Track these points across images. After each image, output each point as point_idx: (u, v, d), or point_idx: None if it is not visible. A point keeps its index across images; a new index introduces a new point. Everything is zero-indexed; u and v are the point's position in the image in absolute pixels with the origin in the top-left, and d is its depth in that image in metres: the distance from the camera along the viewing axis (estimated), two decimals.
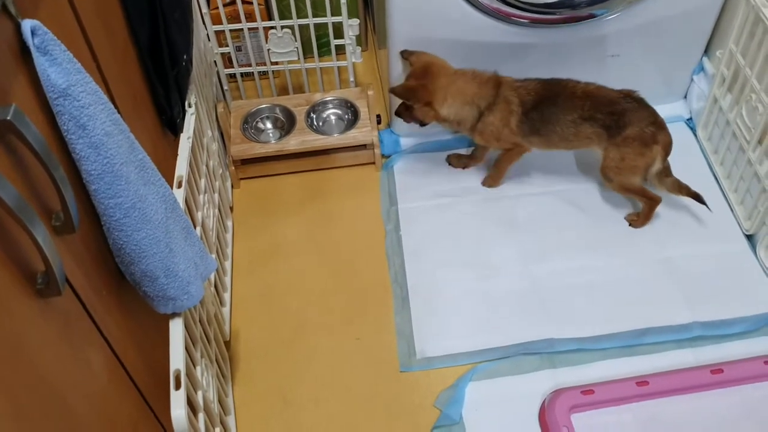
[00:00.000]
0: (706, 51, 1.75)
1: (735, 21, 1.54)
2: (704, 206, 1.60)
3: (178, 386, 0.95)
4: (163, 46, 1.23)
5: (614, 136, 1.51)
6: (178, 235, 1.01)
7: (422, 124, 1.61)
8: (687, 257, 1.57)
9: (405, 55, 1.61)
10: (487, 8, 1.54)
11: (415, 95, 1.55)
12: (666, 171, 1.56)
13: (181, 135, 1.30)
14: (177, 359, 0.97)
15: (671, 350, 1.43)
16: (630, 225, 1.63)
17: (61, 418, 0.75)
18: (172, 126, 1.29)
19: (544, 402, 1.35)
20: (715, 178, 1.71)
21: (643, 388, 1.34)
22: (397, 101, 1.64)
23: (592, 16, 1.59)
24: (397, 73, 1.69)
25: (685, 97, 1.85)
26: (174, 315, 1.02)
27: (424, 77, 1.55)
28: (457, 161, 1.77)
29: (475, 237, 1.64)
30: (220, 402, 1.27)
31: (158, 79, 1.24)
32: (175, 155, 1.28)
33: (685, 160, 1.74)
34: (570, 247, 1.60)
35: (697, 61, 1.76)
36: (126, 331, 0.96)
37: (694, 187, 1.60)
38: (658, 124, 1.51)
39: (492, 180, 1.72)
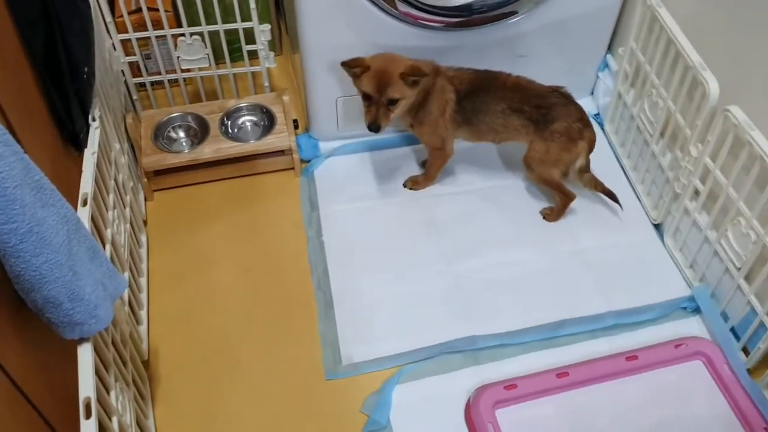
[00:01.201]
0: (610, 49, 1.82)
1: (634, 20, 1.60)
2: (617, 204, 1.67)
3: (88, 415, 0.91)
4: (61, 57, 1.18)
5: (542, 129, 1.54)
6: (83, 257, 0.97)
7: (378, 128, 1.50)
8: (599, 248, 1.62)
9: (352, 64, 1.48)
10: (396, 13, 1.55)
11: (420, 70, 1.47)
12: (585, 167, 1.61)
13: (86, 150, 1.25)
14: (86, 387, 0.93)
15: (587, 340, 1.47)
16: (544, 218, 1.67)
17: None
18: (75, 141, 1.24)
19: (469, 399, 1.37)
20: (623, 171, 1.77)
21: (563, 379, 1.37)
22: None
23: (498, 18, 1.61)
24: (313, 75, 1.68)
25: (592, 93, 1.91)
26: (82, 340, 0.98)
27: (399, 61, 1.48)
28: (415, 183, 1.76)
29: (397, 239, 1.65)
30: (140, 425, 1.23)
31: (57, 93, 1.19)
32: (80, 172, 1.23)
33: (595, 155, 1.79)
34: (489, 244, 1.63)
35: (601, 58, 1.83)
36: (28, 360, 0.91)
37: (604, 180, 1.66)
38: (584, 121, 1.56)
39: (416, 183, 1.73)
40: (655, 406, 1.37)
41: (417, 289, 1.55)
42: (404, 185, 1.74)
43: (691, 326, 1.49)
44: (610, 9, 1.70)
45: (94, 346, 1.00)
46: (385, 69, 1.47)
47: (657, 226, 1.65)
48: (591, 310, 1.50)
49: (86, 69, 1.27)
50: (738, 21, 1.34)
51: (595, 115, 1.90)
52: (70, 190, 1.13)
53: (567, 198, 1.64)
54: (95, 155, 1.24)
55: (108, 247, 1.25)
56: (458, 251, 1.62)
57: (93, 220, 1.16)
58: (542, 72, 1.77)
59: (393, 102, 1.49)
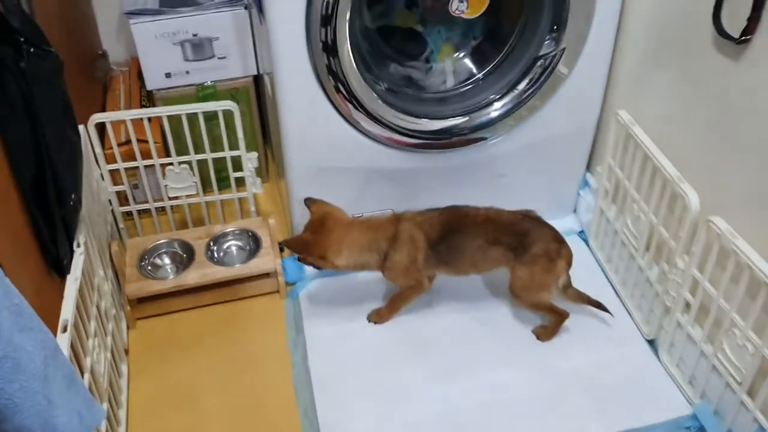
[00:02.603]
0: (588, 167, 1.87)
1: (609, 138, 1.66)
2: (607, 313, 1.65)
3: None
4: (49, 185, 1.19)
5: (521, 255, 1.54)
6: (59, 384, 0.93)
7: (319, 268, 1.60)
8: (594, 366, 1.58)
9: (307, 203, 1.60)
10: (377, 137, 1.60)
11: (309, 249, 1.56)
12: (568, 282, 1.61)
13: (68, 276, 1.23)
14: None
15: None
16: (537, 338, 1.64)
17: None
18: (59, 267, 1.23)
19: None
20: (612, 286, 1.77)
21: None
22: (301, 230, 1.64)
23: (476, 141, 1.67)
24: (299, 200, 1.70)
25: (575, 210, 1.94)
26: None
27: (320, 230, 1.55)
28: (378, 316, 1.72)
29: (385, 361, 1.60)
30: None
31: (43, 219, 1.19)
32: (62, 298, 1.20)
33: (583, 271, 1.79)
34: (480, 363, 1.59)
35: (581, 176, 1.87)
36: None
37: (594, 296, 1.66)
38: (559, 240, 1.57)
39: (380, 316, 1.69)
40: None
41: (408, 414, 1.49)
42: (368, 319, 1.70)
43: None
44: (586, 129, 1.76)
45: None
46: (309, 227, 1.57)
47: (651, 342, 1.63)
48: None
49: (73, 196, 1.28)
50: (711, 132, 1.39)
51: (580, 232, 1.92)
52: (50, 316, 1.10)
53: (560, 317, 1.62)
54: (78, 281, 1.22)
55: (87, 376, 1.20)
56: (448, 372, 1.57)
57: (72, 347, 1.13)
58: (523, 191, 1.82)
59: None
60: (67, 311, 1.15)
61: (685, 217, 1.40)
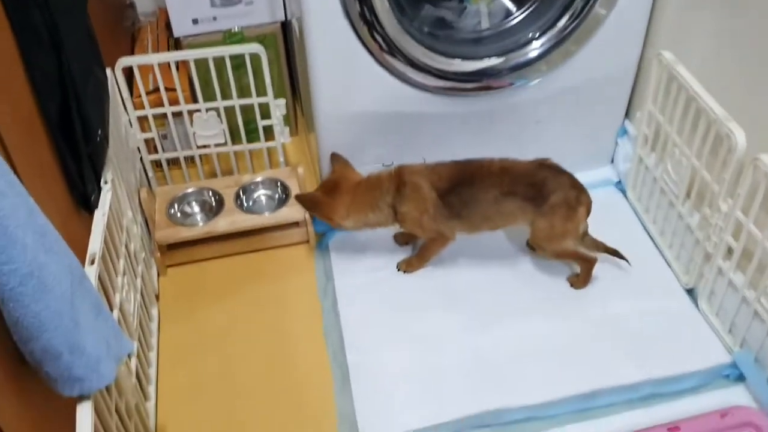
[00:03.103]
0: (627, 114, 1.80)
1: (650, 82, 1.59)
2: (624, 261, 1.61)
3: None
4: (75, 119, 1.18)
5: (540, 206, 1.49)
6: (86, 311, 0.93)
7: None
8: (629, 316, 1.54)
9: (332, 159, 1.62)
10: (410, 79, 1.55)
11: (318, 208, 1.58)
12: (585, 231, 1.56)
13: (96, 211, 1.22)
14: None
15: (624, 411, 1.37)
16: (572, 286, 1.60)
17: None
18: (86, 203, 1.22)
19: None
20: (650, 237, 1.72)
21: None
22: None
23: (512, 84, 1.62)
24: (328, 150, 1.67)
25: (612, 161, 1.89)
26: (82, 398, 0.91)
27: (332, 191, 1.56)
28: (402, 238, 1.73)
29: (415, 309, 1.58)
30: None
31: (70, 154, 1.18)
32: (89, 235, 1.19)
33: (619, 223, 1.76)
34: (511, 313, 1.56)
35: (619, 124, 1.81)
36: (26, 421, 0.85)
37: (632, 248, 1.61)
38: (578, 187, 1.52)
39: (410, 265, 1.66)
40: None
41: (438, 361, 1.47)
42: (398, 268, 1.67)
43: (736, 395, 1.39)
44: (625, 72, 1.69)
45: (96, 408, 0.93)
46: (323, 186, 1.59)
47: (689, 291, 1.57)
48: (626, 379, 1.40)
49: (100, 132, 1.27)
50: (759, 67, 1.32)
51: (617, 182, 1.86)
52: (78, 252, 1.09)
53: (588, 263, 1.58)
54: (105, 216, 1.21)
55: (116, 312, 1.20)
56: (480, 321, 1.54)
57: (100, 280, 1.12)
58: (559, 140, 1.77)
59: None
60: (95, 244, 1.14)
61: (729, 158, 1.34)
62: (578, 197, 1.50)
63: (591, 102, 1.72)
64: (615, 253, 1.60)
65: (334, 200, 1.56)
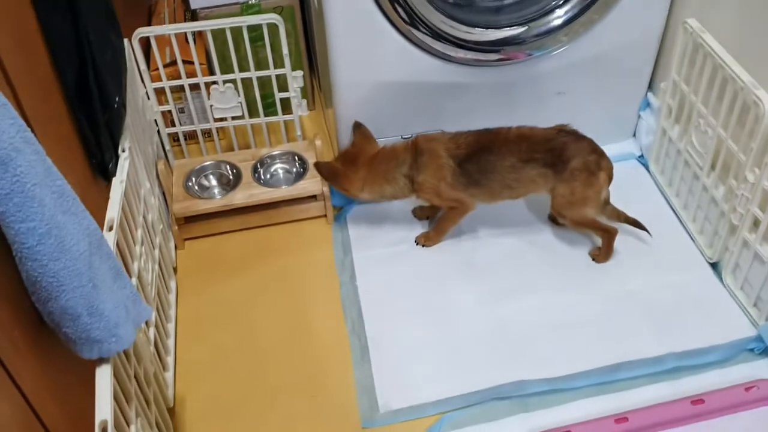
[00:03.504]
0: (650, 86, 1.77)
1: (675, 51, 1.56)
2: (646, 232, 1.58)
3: None
4: (93, 86, 1.17)
5: (561, 172, 1.47)
6: (105, 274, 0.92)
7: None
8: (653, 290, 1.51)
9: (354, 127, 1.62)
10: (430, 48, 1.53)
11: (336, 179, 1.57)
12: (606, 199, 1.53)
13: (114, 179, 1.21)
14: (103, 410, 0.85)
15: (647, 384, 1.35)
16: (594, 260, 1.58)
17: None
18: (104, 171, 1.21)
19: None
20: (673, 211, 1.69)
21: (622, 425, 1.25)
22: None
23: (534, 53, 1.59)
24: (346, 123, 1.65)
25: (635, 135, 1.85)
26: (101, 361, 0.91)
27: (351, 163, 1.56)
28: (421, 212, 1.71)
29: (434, 283, 1.56)
30: None
31: (87, 121, 1.17)
32: (107, 202, 1.19)
33: (641, 197, 1.73)
34: (532, 286, 1.54)
35: (642, 96, 1.77)
36: (44, 381, 0.84)
37: (654, 223, 1.59)
38: (599, 152, 1.49)
39: (428, 239, 1.65)
40: None
41: (457, 333, 1.46)
42: (416, 242, 1.66)
43: (761, 369, 1.36)
44: (649, 42, 1.66)
45: (115, 373, 0.93)
46: (342, 156, 1.59)
47: (713, 265, 1.55)
48: (649, 353, 1.38)
49: (117, 99, 1.26)
50: None
51: (639, 156, 1.83)
52: (96, 221, 1.09)
53: (609, 234, 1.55)
54: (123, 184, 1.20)
55: (134, 280, 1.20)
56: (500, 295, 1.53)
57: (118, 247, 1.11)
58: (581, 112, 1.74)
59: None
60: (113, 211, 1.13)
61: (757, 127, 1.31)
62: (598, 162, 1.47)
63: (613, 74, 1.69)
64: (636, 224, 1.57)
65: (351, 172, 1.55)
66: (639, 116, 1.81)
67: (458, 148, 1.50)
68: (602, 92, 1.73)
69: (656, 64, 1.72)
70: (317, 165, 1.58)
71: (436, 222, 1.65)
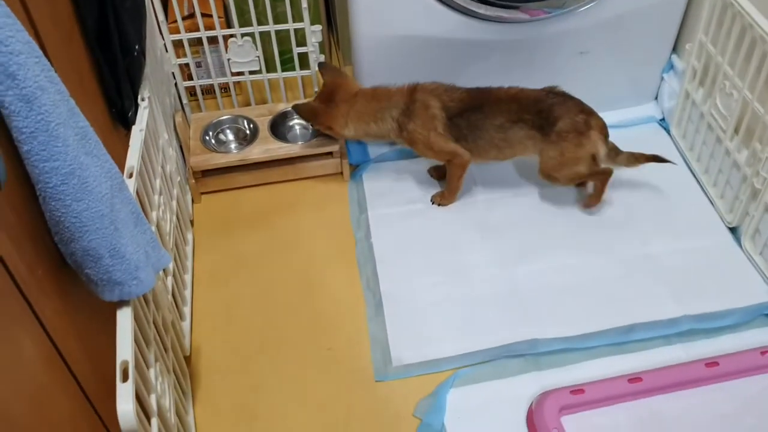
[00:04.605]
0: (675, 48, 1.74)
1: (702, 12, 1.53)
2: (668, 162, 1.54)
3: (125, 378, 0.84)
4: (113, 33, 1.16)
5: (548, 134, 1.46)
6: (126, 217, 0.92)
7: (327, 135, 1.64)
8: (670, 253, 1.51)
9: (321, 69, 1.63)
10: (454, 4, 1.50)
11: (317, 118, 1.58)
12: (615, 150, 1.51)
13: (133, 127, 1.21)
14: (124, 350, 0.86)
15: (661, 346, 1.35)
16: (587, 208, 1.57)
17: None
18: (123, 119, 1.21)
19: (531, 405, 1.26)
20: (694, 175, 1.67)
21: (636, 385, 1.25)
22: None
23: (557, 9, 1.56)
24: (367, 77, 1.64)
25: (656, 98, 1.83)
26: (122, 304, 0.92)
27: (329, 100, 1.56)
28: (436, 172, 1.71)
29: (448, 242, 1.56)
30: (179, 417, 1.15)
31: (108, 68, 1.16)
32: (127, 150, 1.19)
33: None
34: (547, 247, 1.54)
35: (666, 58, 1.74)
36: (66, 319, 0.85)
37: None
38: (586, 111, 1.47)
39: (443, 198, 1.64)
40: (737, 418, 1.24)
41: (471, 291, 1.46)
42: (432, 201, 1.65)
43: None
44: (675, 2, 1.62)
45: (135, 316, 0.94)
46: (319, 95, 1.58)
47: (733, 230, 1.54)
48: (664, 315, 1.38)
49: (137, 47, 1.25)
50: None
51: (660, 120, 1.81)
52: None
53: (604, 176, 1.53)
54: (143, 132, 1.20)
55: (153, 229, 1.20)
56: (515, 255, 1.52)
57: (138, 195, 1.12)
58: (603, 73, 1.72)
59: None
60: (133, 158, 1.13)
61: None
62: (587, 121, 1.45)
63: (639, 32, 1.66)
64: (657, 159, 1.53)
65: (333, 109, 1.55)
66: (662, 78, 1.78)
67: (452, 101, 1.50)
68: (625, 53, 1.70)
69: (682, 24, 1.68)
70: (295, 107, 1.59)
71: (446, 182, 1.64)
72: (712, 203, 1.60)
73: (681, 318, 1.37)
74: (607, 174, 1.53)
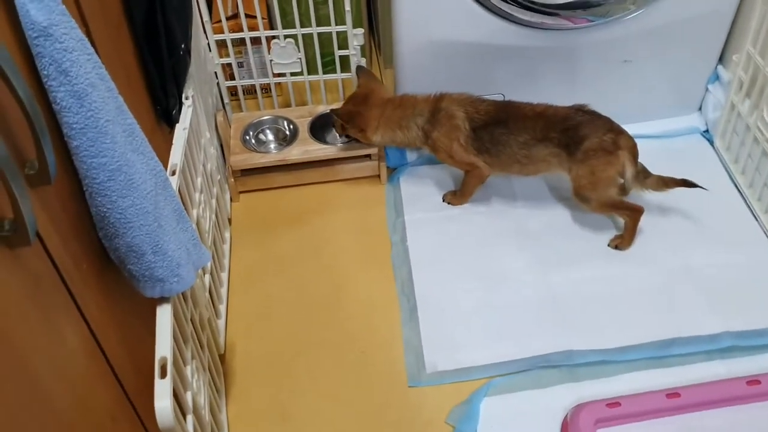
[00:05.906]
0: (721, 59, 1.70)
1: (751, 23, 1.50)
2: (699, 188, 1.48)
3: (164, 375, 0.85)
4: (161, 31, 1.18)
5: (574, 152, 1.43)
6: (169, 215, 0.93)
7: (356, 140, 1.64)
8: (712, 267, 1.48)
9: (358, 72, 1.65)
10: (497, 9, 1.49)
11: (354, 120, 1.58)
12: (644, 173, 1.48)
13: (177, 126, 1.23)
14: (164, 346, 0.87)
15: (701, 362, 1.32)
16: (617, 248, 1.53)
17: (27, 389, 0.65)
18: (168, 117, 1.23)
19: (566, 416, 1.24)
20: (737, 189, 1.63)
21: (674, 400, 1.23)
22: None
23: (602, 17, 1.54)
24: (408, 82, 1.64)
25: (700, 108, 1.79)
26: (162, 301, 0.93)
27: (363, 104, 1.57)
28: (452, 197, 1.68)
29: (485, 248, 1.55)
30: (213, 415, 1.16)
31: (154, 66, 1.18)
32: (170, 148, 1.20)
33: (705, 173, 1.65)
34: (586, 256, 1.52)
35: (711, 69, 1.71)
36: (107, 314, 0.86)
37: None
38: (615, 130, 1.44)
39: (454, 197, 1.64)
40: None
41: (507, 298, 1.45)
42: (443, 199, 1.66)
43: None
44: (724, 10, 1.59)
45: (174, 313, 0.95)
46: (353, 99, 1.60)
47: None
48: (705, 330, 1.35)
49: (183, 46, 1.26)
50: None
51: (704, 131, 1.77)
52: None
53: (635, 213, 1.50)
54: (186, 131, 1.22)
55: (193, 226, 1.21)
56: (553, 263, 1.51)
57: (180, 192, 1.13)
58: (647, 82, 1.69)
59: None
60: (176, 156, 1.15)
61: None
62: (615, 141, 1.42)
63: (685, 42, 1.63)
64: (687, 183, 1.48)
65: (367, 112, 1.56)
66: (707, 89, 1.75)
67: (477, 113, 1.50)
68: (670, 63, 1.68)
69: (729, 35, 1.65)
70: (333, 111, 1.60)
71: (461, 185, 1.64)
72: (756, 218, 1.56)
73: (722, 334, 1.34)
74: (638, 212, 1.50)
